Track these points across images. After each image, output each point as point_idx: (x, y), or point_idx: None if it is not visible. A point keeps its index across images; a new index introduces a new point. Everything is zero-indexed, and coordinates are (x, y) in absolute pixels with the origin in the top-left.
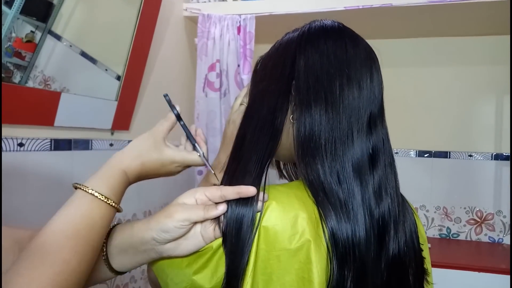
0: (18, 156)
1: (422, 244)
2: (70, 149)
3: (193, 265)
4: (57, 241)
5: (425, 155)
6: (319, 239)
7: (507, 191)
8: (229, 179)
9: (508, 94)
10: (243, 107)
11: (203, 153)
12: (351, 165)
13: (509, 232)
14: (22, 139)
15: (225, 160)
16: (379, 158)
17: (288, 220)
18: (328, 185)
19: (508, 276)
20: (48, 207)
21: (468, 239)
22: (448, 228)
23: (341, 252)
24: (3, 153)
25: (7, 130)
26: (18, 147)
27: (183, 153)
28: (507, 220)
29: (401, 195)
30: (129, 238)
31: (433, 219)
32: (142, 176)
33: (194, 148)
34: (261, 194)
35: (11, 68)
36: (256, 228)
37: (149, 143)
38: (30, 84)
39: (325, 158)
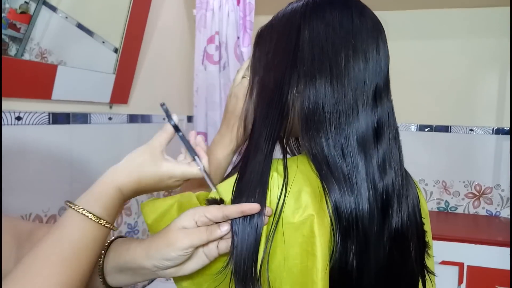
0: (16, 130)
1: (424, 218)
2: (68, 123)
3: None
4: (42, 268)
5: (426, 129)
6: (323, 213)
7: (506, 165)
8: (242, 159)
9: None
10: (245, 81)
11: (203, 167)
12: (356, 139)
13: (506, 205)
14: (20, 112)
15: (227, 135)
16: (384, 132)
17: (291, 195)
18: (332, 158)
19: (505, 248)
20: (49, 182)
21: (466, 212)
22: (446, 201)
23: (344, 225)
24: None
25: (4, 104)
26: (16, 120)
27: (183, 167)
28: (506, 193)
29: (405, 169)
30: (125, 264)
31: (431, 193)
32: (139, 192)
33: (194, 160)
34: (267, 209)
35: (7, 40)
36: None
37: (146, 157)
38: (26, 57)
39: (329, 131)
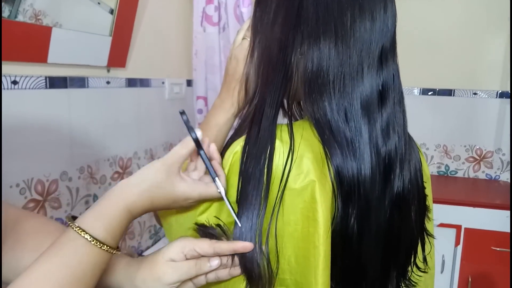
0: (13, 94)
1: (425, 182)
2: (66, 87)
3: (198, 208)
4: None
5: (429, 93)
6: (324, 179)
7: (509, 129)
8: (247, 124)
9: None
10: (246, 42)
11: (224, 190)
12: (360, 102)
13: (506, 169)
14: (16, 76)
15: (228, 99)
16: (389, 95)
17: (293, 161)
18: (335, 123)
19: (502, 211)
20: (49, 146)
21: (466, 176)
22: (446, 165)
23: (346, 190)
24: None
25: None
26: (13, 85)
27: (200, 188)
28: (506, 158)
29: (408, 133)
30: (109, 285)
31: (432, 157)
32: (149, 211)
33: (214, 182)
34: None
35: None
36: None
37: (161, 176)
38: (20, 18)
39: (332, 95)
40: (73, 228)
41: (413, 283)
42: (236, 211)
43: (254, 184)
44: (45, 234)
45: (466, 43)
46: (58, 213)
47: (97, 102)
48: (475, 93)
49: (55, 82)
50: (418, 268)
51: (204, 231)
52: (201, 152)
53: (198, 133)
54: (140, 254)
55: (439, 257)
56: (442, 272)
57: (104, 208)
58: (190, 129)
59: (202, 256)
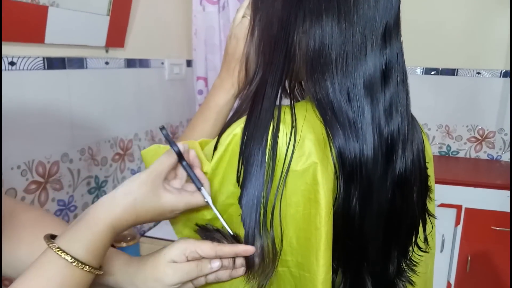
0: (11, 75)
1: (428, 163)
2: (64, 68)
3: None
4: None
5: (432, 73)
6: (326, 160)
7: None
8: (248, 104)
9: None
10: (246, 20)
11: (211, 199)
12: (363, 82)
13: (508, 149)
14: (13, 57)
15: (228, 79)
16: (392, 75)
17: (295, 142)
18: (337, 103)
19: (503, 191)
20: (49, 128)
21: (467, 156)
22: (448, 145)
23: (348, 171)
24: None
25: None
26: (10, 66)
27: (186, 198)
28: (508, 138)
29: (411, 113)
30: (106, 281)
31: (434, 137)
32: (132, 226)
33: (200, 191)
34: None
35: None
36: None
37: (146, 189)
38: None
39: (335, 74)
40: (52, 249)
41: (414, 262)
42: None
43: (257, 165)
44: (42, 227)
45: (471, 21)
46: (60, 194)
47: (97, 83)
48: (478, 73)
49: (53, 63)
50: (419, 248)
51: (205, 233)
52: (184, 163)
53: (180, 147)
54: (142, 235)
55: (439, 237)
56: (441, 251)
57: (85, 226)
58: (172, 143)
59: (203, 258)
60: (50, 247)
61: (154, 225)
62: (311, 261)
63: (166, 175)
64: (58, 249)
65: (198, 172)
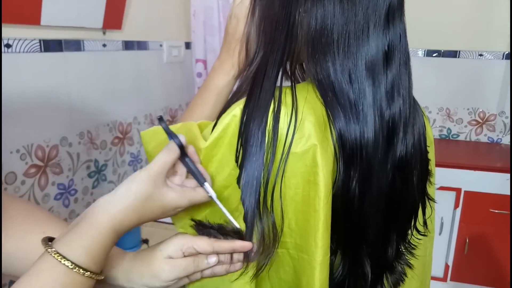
0: (7, 58)
1: (429, 146)
2: (61, 50)
3: None
4: None
5: (434, 55)
6: (326, 142)
7: None
8: (248, 85)
9: None
10: (247, 0)
11: (215, 195)
12: (364, 63)
13: (508, 132)
14: (9, 39)
15: (228, 61)
16: (394, 56)
17: (296, 124)
18: (338, 84)
19: (502, 174)
20: (47, 112)
21: (468, 139)
22: (448, 129)
23: (348, 153)
24: None
25: None
26: (6, 48)
27: (189, 194)
28: (509, 120)
29: (413, 96)
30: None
31: (434, 120)
32: (135, 226)
33: (203, 187)
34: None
35: None
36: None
37: (148, 188)
38: None
39: (336, 55)
40: (51, 253)
41: (412, 246)
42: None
43: (256, 145)
44: (32, 222)
45: (473, 2)
46: (60, 178)
47: (94, 66)
48: (480, 55)
49: (50, 45)
50: (418, 231)
51: (201, 229)
52: (187, 159)
53: (182, 139)
54: None
55: (437, 220)
56: (440, 234)
57: (85, 229)
58: (173, 136)
59: (200, 253)
60: (48, 251)
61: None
62: (310, 243)
63: (167, 172)
64: (57, 254)
65: (201, 168)
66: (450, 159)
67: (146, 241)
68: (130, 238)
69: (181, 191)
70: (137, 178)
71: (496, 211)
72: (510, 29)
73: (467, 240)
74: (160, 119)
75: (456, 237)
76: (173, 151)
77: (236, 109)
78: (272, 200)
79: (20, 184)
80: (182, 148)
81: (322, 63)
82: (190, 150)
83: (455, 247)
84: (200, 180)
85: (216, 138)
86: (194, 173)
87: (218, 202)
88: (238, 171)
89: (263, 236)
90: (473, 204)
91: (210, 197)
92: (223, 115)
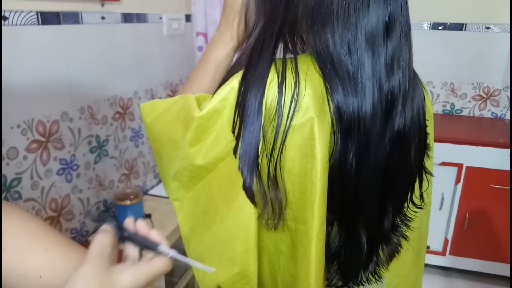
0: (5, 30)
1: (428, 120)
2: (59, 23)
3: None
4: None
5: (439, 28)
6: (324, 115)
7: None
8: (247, 57)
9: None
10: None
11: (174, 251)
12: (364, 35)
13: None
14: (4, 11)
15: (227, 32)
16: (395, 27)
17: (292, 98)
18: (337, 56)
19: (504, 149)
20: (47, 87)
21: (471, 115)
22: (452, 104)
23: (345, 126)
24: None
25: None
26: (3, 20)
27: (146, 270)
28: (510, 96)
29: (413, 69)
30: None
31: (438, 95)
32: None
33: (158, 251)
34: None
35: None
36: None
37: (95, 282)
38: None
39: (336, 26)
40: None
41: (408, 218)
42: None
43: (253, 115)
44: (30, 237)
45: None
46: (62, 153)
47: (93, 39)
48: (487, 27)
49: (47, 18)
50: (414, 204)
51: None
52: (127, 235)
53: (112, 224)
54: (145, 193)
55: (438, 195)
56: (440, 209)
57: None
58: (106, 219)
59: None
60: None
61: (157, 184)
62: (307, 215)
63: (110, 254)
64: None
65: (152, 235)
66: (453, 134)
67: (148, 216)
68: (132, 214)
69: (135, 270)
70: (79, 277)
71: (497, 186)
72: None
73: (467, 215)
74: (87, 213)
75: (456, 213)
76: (107, 231)
77: (234, 81)
78: (276, 171)
79: (22, 159)
80: (120, 228)
81: (321, 34)
82: (139, 226)
83: (455, 222)
84: (152, 246)
85: (212, 109)
86: (143, 243)
87: (180, 257)
88: (234, 142)
89: (271, 205)
90: (474, 179)
91: (171, 257)
92: (221, 87)
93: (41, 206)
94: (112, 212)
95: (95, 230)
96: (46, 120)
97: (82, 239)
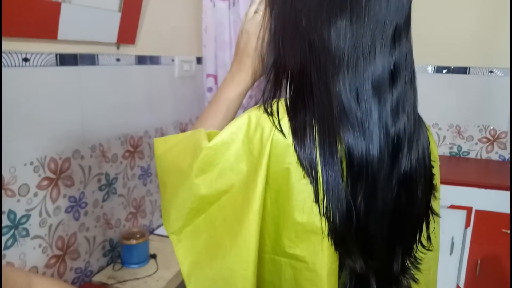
0: (25, 71)
1: (433, 162)
2: (76, 64)
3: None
4: None
5: (443, 71)
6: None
7: None
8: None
9: None
10: (258, 16)
11: None
12: (371, 83)
13: None
14: (27, 53)
15: (239, 74)
16: (400, 74)
17: None
18: (347, 103)
19: None
20: (61, 124)
21: (478, 157)
22: (459, 146)
23: (355, 170)
24: (10, 68)
25: (10, 44)
26: (24, 62)
27: None
28: (509, 138)
29: (418, 113)
30: None
31: (444, 137)
32: None
33: None
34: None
35: None
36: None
37: None
38: None
39: (346, 74)
40: None
41: (418, 260)
42: None
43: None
44: None
45: (484, 19)
46: (71, 191)
47: (108, 80)
48: (491, 71)
49: (65, 59)
50: (423, 246)
51: None
52: None
53: None
54: (151, 232)
55: (448, 239)
56: (451, 254)
57: None
58: None
59: None
60: None
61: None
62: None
63: None
64: None
65: None
66: (461, 177)
67: (153, 256)
68: (138, 254)
69: None
70: None
71: (508, 231)
72: (510, 46)
73: (479, 261)
74: None
75: (468, 258)
76: None
77: (245, 116)
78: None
79: (33, 196)
80: None
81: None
82: None
83: (467, 268)
84: None
85: (221, 141)
86: None
87: None
88: (240, 175)
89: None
90: (484, 223)
91: None
92: (232, 121)
93: (48, 244)
94: (117, 251)
95: (99, 270)
96: (58, 157)
97: (86, 279)
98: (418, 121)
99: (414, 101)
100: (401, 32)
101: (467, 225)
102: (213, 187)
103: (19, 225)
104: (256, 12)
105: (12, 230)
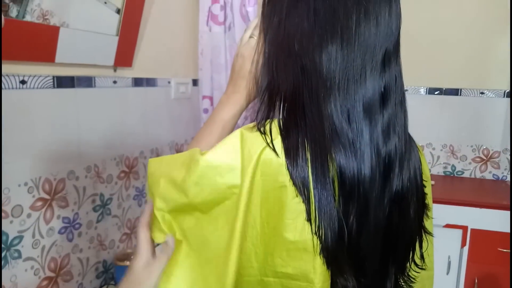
0: (21, 93)
1: (425, 181)
2: (73, 86)
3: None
4: None
5: (436, 93)
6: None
7: None
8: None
9: None
10: (253, 41)
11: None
12: (362, 105)
13: None
14: (24, 76)
15: (234, 96)
16: (390, 96)
17: None
18: (339, 124)
19: (509, 212)
20: (57, 146)
21: (472, 176)
22: (453, 165)
23: (347, 189)
24: (7, 91)
25: (8, 67)
26: (21, 84)
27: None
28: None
29: (408, 133)
30: None
31: (438, 157)
32: None
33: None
34: None
35: (7, 1)
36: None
37: None
38: (27, 18)
39: (337, 97)
40: None
41: (411, 279)
42: None
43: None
44: None
45: (474, 41)
46: (65, 212)
47: (104, 102)
48: (482, 93)
49: (62, 82)
50: (416, 264)
51: None
52: None
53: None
54: None
55: (445, 258)
56: (448, 273)
57: None
58: None
59: None
60: None
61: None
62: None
63: None
64: None
65: None
66: (456, 196)
67: None
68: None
69: None
70: None
71: (504, 250)
72: (510, 68)
73: (476, 281)
74: None
75: (465, 277)
76: None
77: (237, 132)
78: None
79: (26, 217)
80: None
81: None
82: None
83: (464, 287)
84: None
85: (217, 161)
86: None
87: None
88: (235, 189)
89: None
90: (480, 242)
91: None
92: (225, 138)
93: (40, 266)
94: (111, 273)
95: None
96: (53, 178)
97: None
98: (409, 142)
99: (404, 122)
100: (390, 56)
101: (463, 244)
102: (207, 198)
103: (11, 247)
104: (251, 37)
105: (4, 252)
